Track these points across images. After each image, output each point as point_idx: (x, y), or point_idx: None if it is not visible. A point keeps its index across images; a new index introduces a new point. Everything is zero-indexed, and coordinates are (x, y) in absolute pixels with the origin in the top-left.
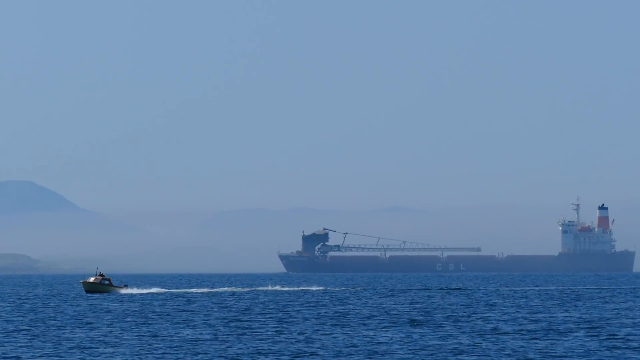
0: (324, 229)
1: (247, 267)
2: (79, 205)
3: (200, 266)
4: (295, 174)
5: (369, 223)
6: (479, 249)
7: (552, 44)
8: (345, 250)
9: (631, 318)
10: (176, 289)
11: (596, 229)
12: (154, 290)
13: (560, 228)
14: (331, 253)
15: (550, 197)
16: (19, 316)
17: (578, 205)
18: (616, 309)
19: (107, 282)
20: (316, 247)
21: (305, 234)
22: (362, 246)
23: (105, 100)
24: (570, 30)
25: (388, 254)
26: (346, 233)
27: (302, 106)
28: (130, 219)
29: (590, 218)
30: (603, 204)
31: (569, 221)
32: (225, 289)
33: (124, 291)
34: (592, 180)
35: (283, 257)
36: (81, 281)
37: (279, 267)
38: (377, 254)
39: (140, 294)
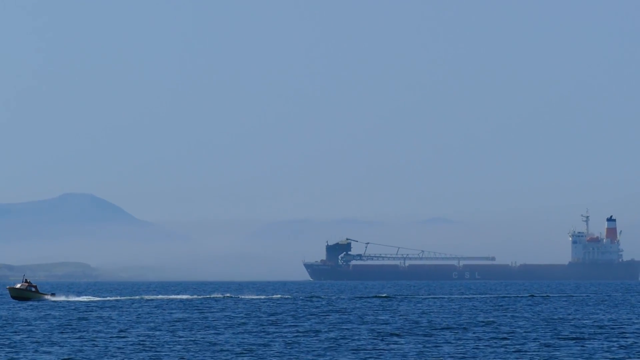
0: (347, 239)
1: (290, 276)
2: (136, 216)
3: (248, 274)
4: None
5: (389, 233)
6: (493, 258)
7: (563, 54)
8: (367, 259)
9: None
10: (108, 297)
11: (604, 240)
12: (84, 298)
13: (571, 238)
14: (353, 262)
15: (561, 208)
16: None
17: (587, 217)
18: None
19: (33, 289)
20: (339, 256)
21: (329, 243)
22: (382, 255)
23: (160, 117)
24: (580, 39)
25: (407, 262)
26: (368, 243)
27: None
28: (184, 229)
29: (599, 229)
30: (611, 216)
31: (579, 232)
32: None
33: (51, 299)
34: (601, 192)
35: (308, 266)
36: (7, 287)
37: (303, 275)
38: (397, 262)
39: (68, 302)
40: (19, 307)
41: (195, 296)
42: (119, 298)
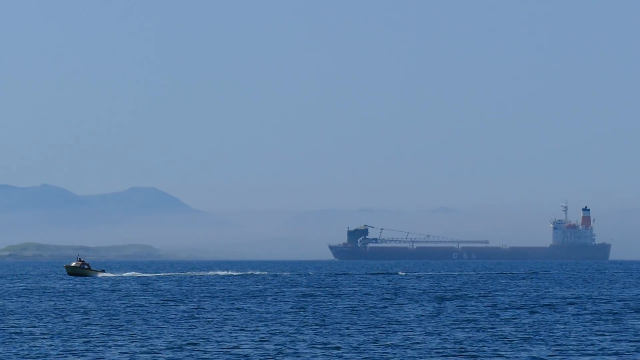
0: (365, 225)
1: (318, 256)
2: (192, 206)
3: (284, 255)
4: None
5: (401, 220)
6: (487, 242)
7: (548, 49)
8: (381, 242)
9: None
10: (150, 273)
11: (580, 226)
12: (128, 274)
13: (552, 225)
14: (370, 244)
15: (544, 200)
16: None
17: (566, 207)
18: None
19: (86, 266)
20: (358, 240)
21: (350, 229)
22: (394, 239)
23: (207, 119)
24: (569, 31)
25: (415, 245)
26: (382, 228)
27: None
28: (232, 216)
29: (576, 217)
30: (586, 207)
31: (559, 220)
32: (190, 273)
33: (100, 275)
34: (579, 186)
35: (332, 248)
36: (64, 265)
37: (328, 255)
38: (407, 245)
39: (115, 277)
40: (75, 280)
41: (239, 272)
42: (164, 274)
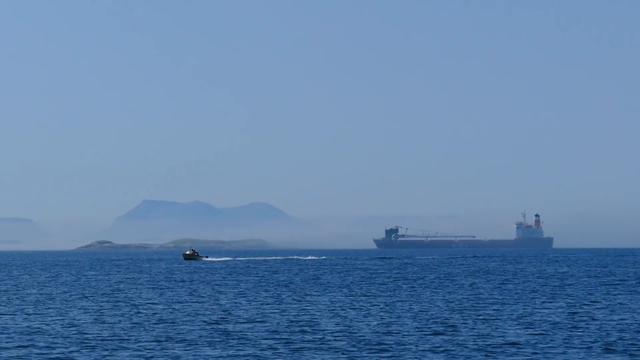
0: (396, 226)
1: (365, 246)
2: (289, 214)
3: (344, 246)
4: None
5: (420, 223)
6: (474, 236)
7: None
8: (407, 237)
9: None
10: (242, 257)
11: (534, 226)
12: (223, 258)
13: (515, 225)
14: (399, 239)
15: (510, 207)
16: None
17: (524, 214)
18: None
19: (196, 254)
20: (392, 235)
21: (386, 228)
22: (415, 235)
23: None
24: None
25: (428, 239)
26: (407, 228)
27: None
28: (314, 220)
29: (530, 220)
30: (537, 213)
31: (519, 222)
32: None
33: (205, 259)
34: (533, 198)
35: (375, 241)
36: (182, 254)
37: (373, 246)
38: (423, 239)
39: (218, 260)
40: (188, 263)
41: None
42: (250, 258)
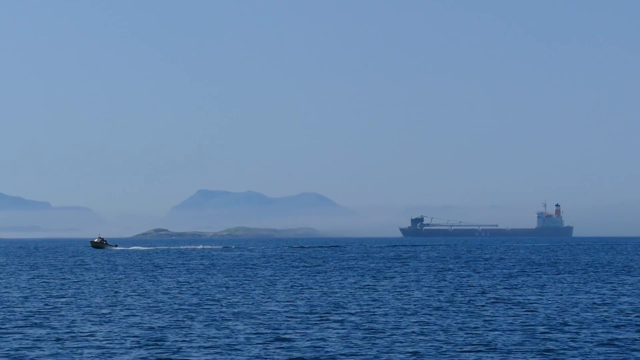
0: (421, 215)
1: (393, 234)
2: (338, 203)
3: (380, 234)
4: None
5: (444, 212)
6: (497, 225)
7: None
8: (431, 226)
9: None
10: (153, 246)
11: (554, 215)
12: (133, 248)
13: (537, 215)
14: (425, 227)
15: (533, 198)
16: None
17: (545, 204)
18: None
19: (104, 242)
20: (417, 224)
21: (412, 217)
22: (439, 224)
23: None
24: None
25: (452, 228)
26: (432, 217)
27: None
28: (361, 209)
29: (551, 210)
30: (557, 203)
31: (540, 211)
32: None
33: (114, 248)
34: (554, 188)
35: (402, 229)
36: (90, 241)
37: (400, 235)
38: (447, 228)
39: (123, 250)
40: (96, 252)
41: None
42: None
